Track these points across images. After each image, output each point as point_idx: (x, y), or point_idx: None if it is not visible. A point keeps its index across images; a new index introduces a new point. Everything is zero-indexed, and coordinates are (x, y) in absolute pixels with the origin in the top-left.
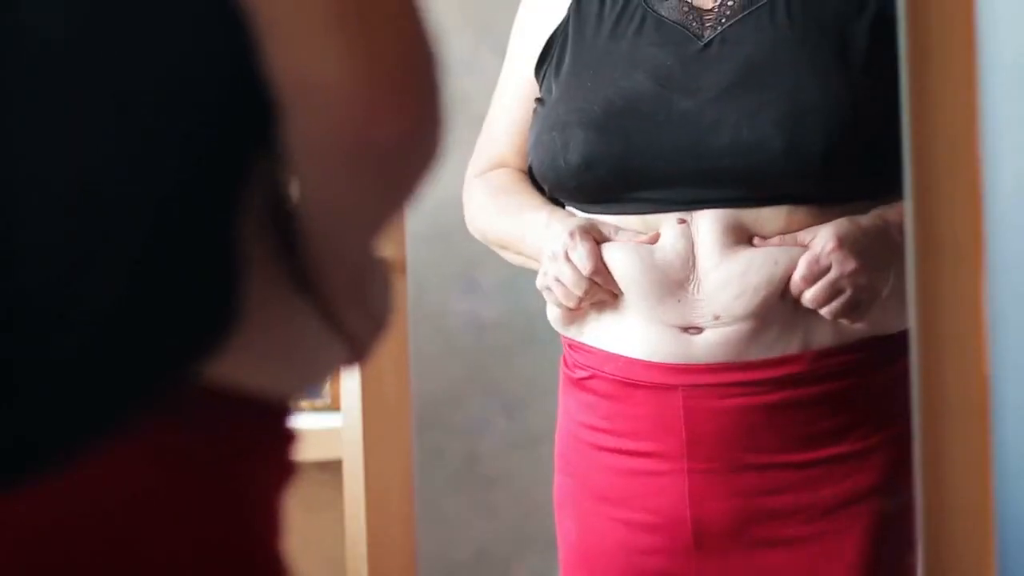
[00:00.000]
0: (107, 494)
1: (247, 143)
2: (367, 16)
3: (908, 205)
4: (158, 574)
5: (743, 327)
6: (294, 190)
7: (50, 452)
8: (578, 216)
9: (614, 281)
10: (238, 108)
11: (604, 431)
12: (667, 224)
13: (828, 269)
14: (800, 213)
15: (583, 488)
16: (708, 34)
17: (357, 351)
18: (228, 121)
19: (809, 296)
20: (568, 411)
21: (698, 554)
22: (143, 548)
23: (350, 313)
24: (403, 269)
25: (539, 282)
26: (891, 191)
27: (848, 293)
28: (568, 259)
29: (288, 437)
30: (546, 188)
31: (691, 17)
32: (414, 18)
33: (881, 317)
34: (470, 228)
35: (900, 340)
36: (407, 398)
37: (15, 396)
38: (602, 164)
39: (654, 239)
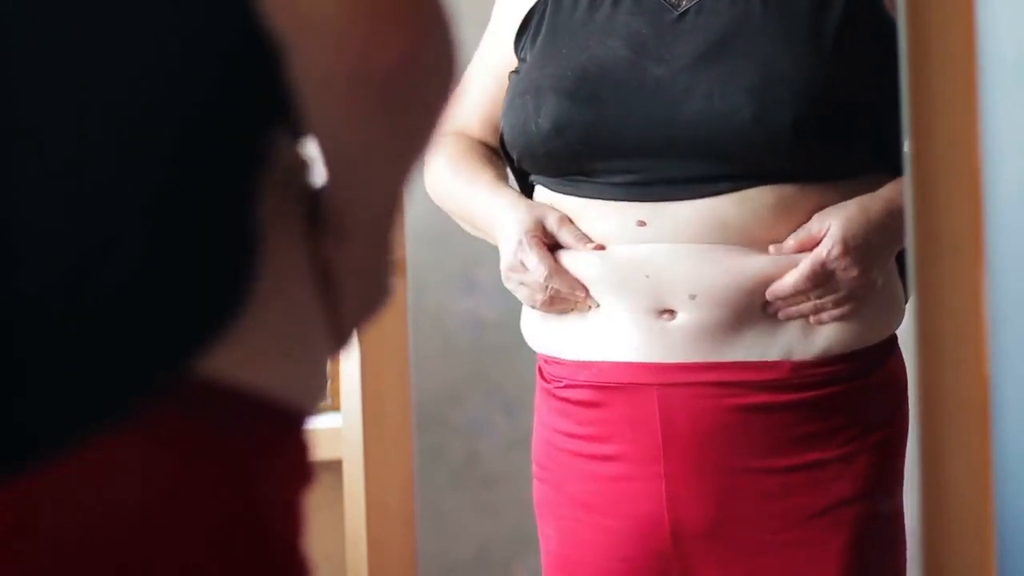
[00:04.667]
0: (116, 480)
1: (262, 118)
2: None
3: (908, 205)
4: (172, 564)
5: (719, 316)
6: (311, 141)
7: (56, 438)
8: (526, 205)
9: (575, 280)
10: (251, 85)
11: (580, 437)
12: (627, 223)
13: (831, 275)
14: (776, 201)
15: (560, 495)
16: (684, 4)
17: (345, 332)
18: (241, 99)
19: (797, 303)
20: (543, 419)
21: (677, 560)
22: (153, 535)
23: (360, 281)
24: (403, 269)
25: (507, 285)
26: (863, 171)
27: (841, 294)
28: (524, 267)
29: (301, 435)
30: (515, 156)
31: None
32: None
33: (865, 330)
34: (428, 191)
35: (882, 347)
36: (407, 398)
37: (22, 382)
38: (572, 130)
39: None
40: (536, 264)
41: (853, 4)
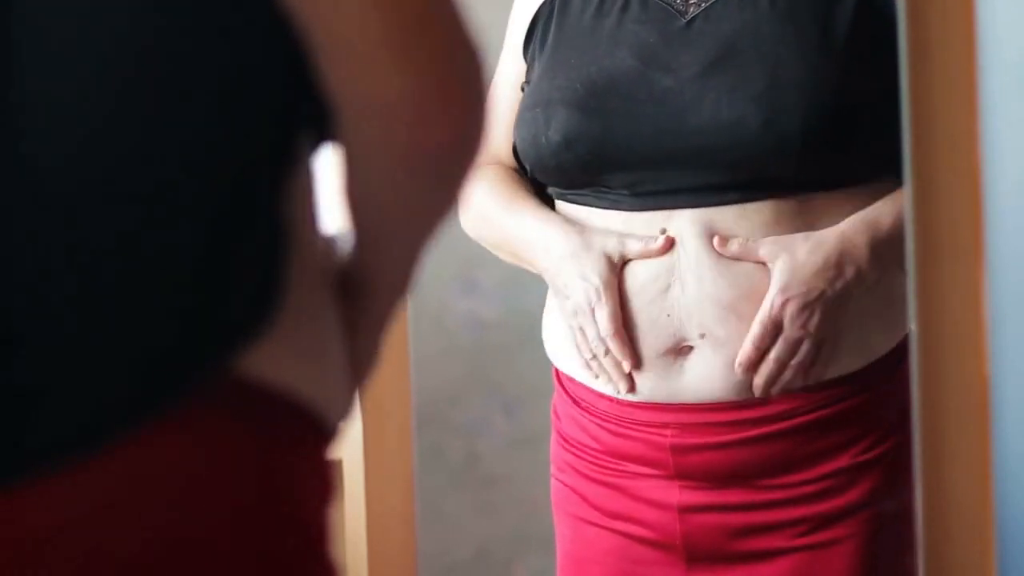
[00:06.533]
0: (148, 479)
1: (298, 136)
2: (420, 31)
3: (908, 205)
4: (202, 562)
5: (729, 354)
6: (349, 195)
7: (90, 437)
8: (586, 233)
9: (630, 348)
10: (286, 108)
11: (594, 449)
12: (649, 230)
13: (780, 327)
14: (783, 211)
15: (575, 494)
16: (692, 11)
17: (365, 369)
18: (277, 118)
19: (766, 372)
20: (560, 424)
21: (689, 566)
22: (185, 534)
23: (380, 324)
24: None
25: (567, 322)
26: (871, 178)
27: (806, 347)
28: (592, 315)
29: (325, 441)
30: (527, 167)
31: None
32: (461, 28)
33: (871, 345)
34: (464, 225)
35: (891, 356)
36: (407, 398)
37: (55, 382)
38: (582, 143)
39: (664, 249)
40: (605, 319)
41: (862, 10)
